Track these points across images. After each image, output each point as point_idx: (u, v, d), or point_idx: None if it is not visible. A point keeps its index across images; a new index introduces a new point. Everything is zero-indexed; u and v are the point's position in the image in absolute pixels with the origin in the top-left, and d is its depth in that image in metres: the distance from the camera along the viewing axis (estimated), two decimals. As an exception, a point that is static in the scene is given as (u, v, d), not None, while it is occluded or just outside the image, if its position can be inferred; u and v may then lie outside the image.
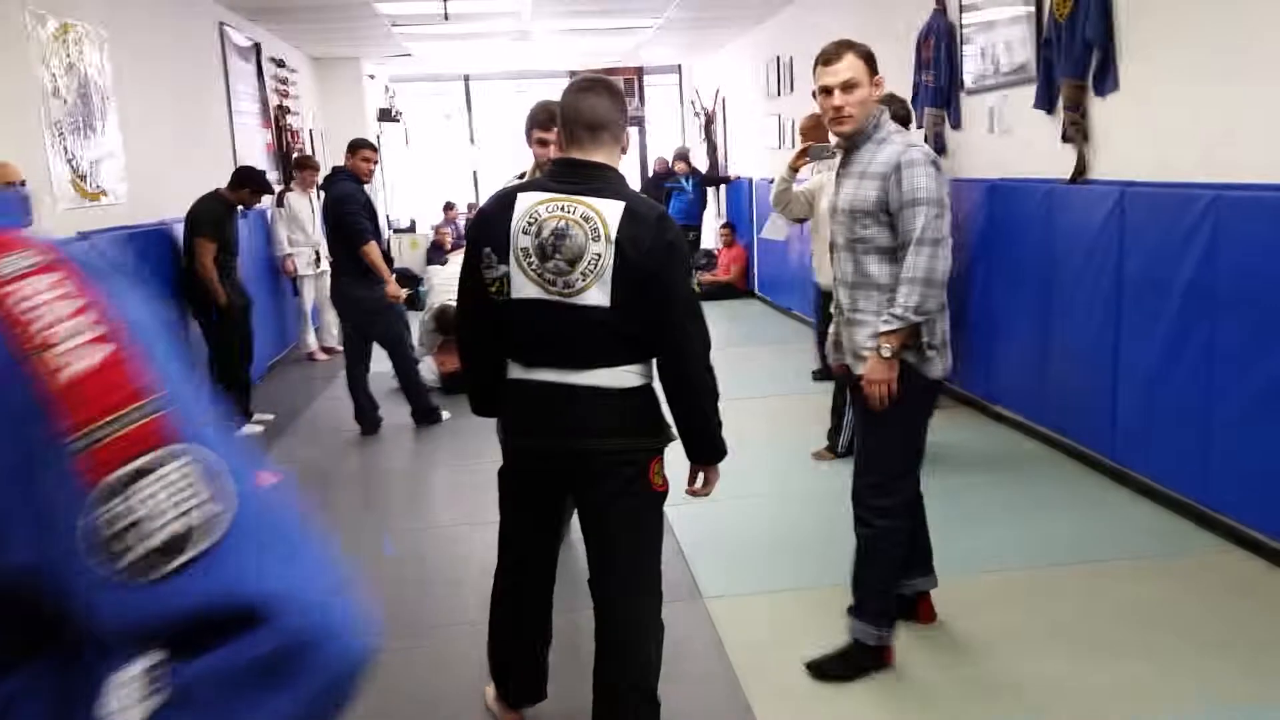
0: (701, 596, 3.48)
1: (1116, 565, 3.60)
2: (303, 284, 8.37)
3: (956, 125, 5.86)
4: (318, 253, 8.32)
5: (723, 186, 11.92)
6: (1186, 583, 3.43)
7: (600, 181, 2.28)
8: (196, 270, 5.82)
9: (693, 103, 13.83)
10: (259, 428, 6.27)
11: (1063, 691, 2.81)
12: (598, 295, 2.21)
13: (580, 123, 2.29)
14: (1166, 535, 3.85)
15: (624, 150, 2.39)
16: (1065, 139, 4.62)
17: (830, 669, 2.91)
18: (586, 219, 2.21)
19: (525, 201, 2.29)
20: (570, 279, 2.22)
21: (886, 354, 2.69)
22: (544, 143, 3.44)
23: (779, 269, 9.48)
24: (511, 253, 2.27)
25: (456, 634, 3.35)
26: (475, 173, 15.83)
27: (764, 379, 6.83)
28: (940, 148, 5.94)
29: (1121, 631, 3.11)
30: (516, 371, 2.38)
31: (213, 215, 5.96)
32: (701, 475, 2.45)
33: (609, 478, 2.32)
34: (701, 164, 12.36)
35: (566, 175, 2.31)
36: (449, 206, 13.47)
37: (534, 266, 2.25)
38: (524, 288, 2.27)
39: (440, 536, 4.34)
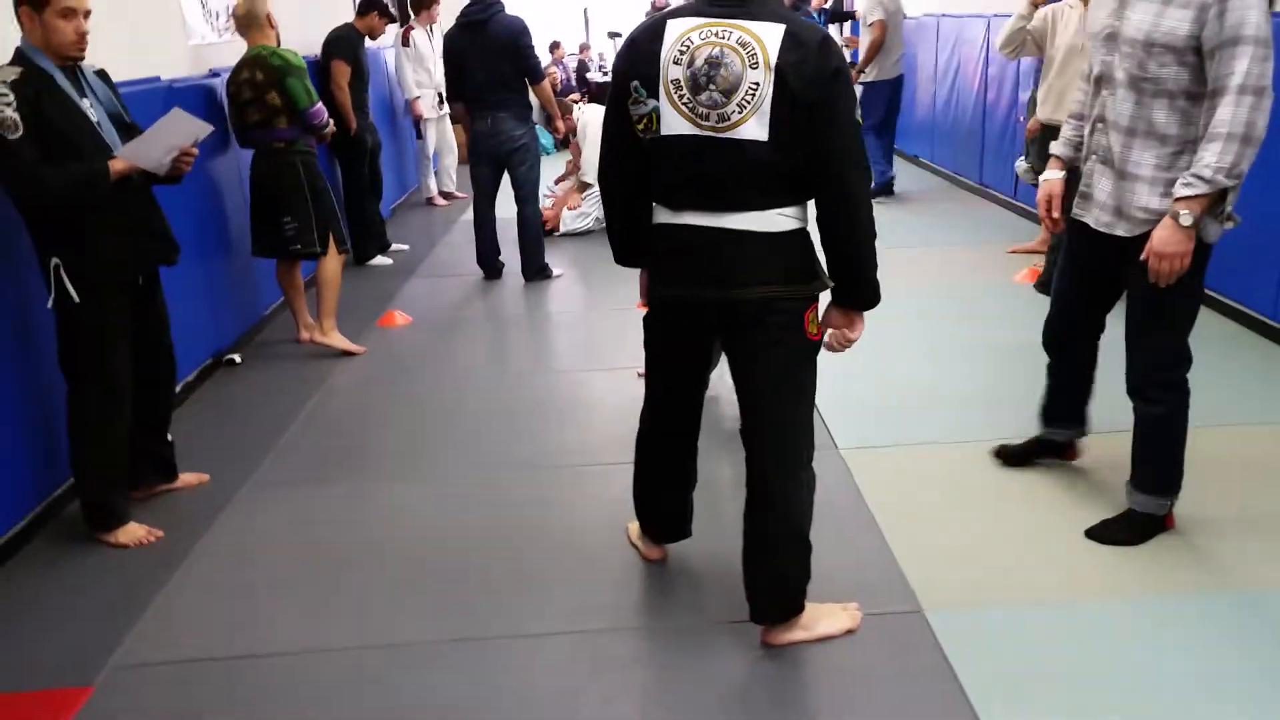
0: (837, 447, 3.46)
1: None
2: (426, 127, 8.16)
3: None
4: (440, 94, 8.18)
5: (846, 24, 11.27)
6: None
7: (757, 4, 2.11)
8: (331, 94, 5.83)
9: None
10: (389, 260, 6.44)
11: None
12: (755, 128, 2.08)
13: None
14: None
15: None
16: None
17: (1111, 534, 2.80)
18: (743, 44, 2.06)
19: (676, 28, 2.14)
20: (725, 111, 2.08)
21: (1186, 222, 2.35)
22: None
23: (907, 116, 8.96)
24: (661, 85, 2.14)
25: (590, 474, 3.41)
26: (585, 9, 15.41)
27: (905, 232, 6.56)
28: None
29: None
30: (664, 216, 2.28)
31: (348, 41, 5.93)
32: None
33: (762, 327, 2.22)
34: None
35: None
36: (555, 46, 13.12)
37: (685, 100, 2.12)
38: (674, 123, 2.15)
39: (567, 380, 4.38)
